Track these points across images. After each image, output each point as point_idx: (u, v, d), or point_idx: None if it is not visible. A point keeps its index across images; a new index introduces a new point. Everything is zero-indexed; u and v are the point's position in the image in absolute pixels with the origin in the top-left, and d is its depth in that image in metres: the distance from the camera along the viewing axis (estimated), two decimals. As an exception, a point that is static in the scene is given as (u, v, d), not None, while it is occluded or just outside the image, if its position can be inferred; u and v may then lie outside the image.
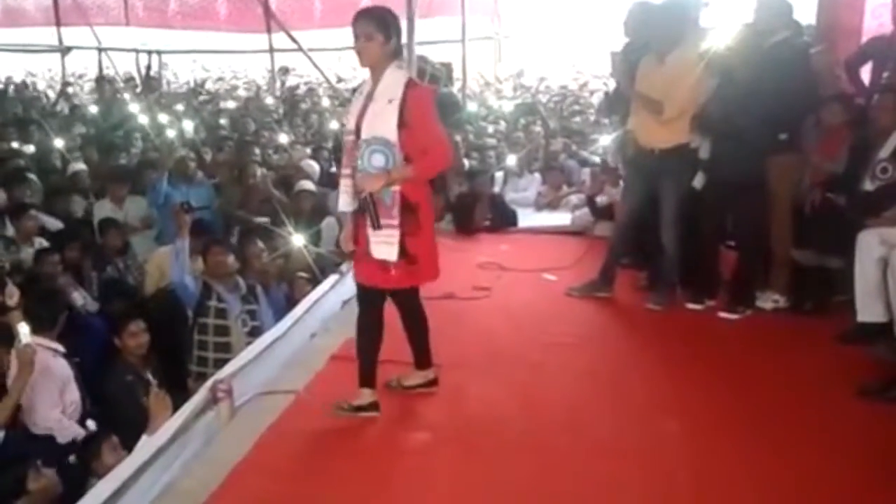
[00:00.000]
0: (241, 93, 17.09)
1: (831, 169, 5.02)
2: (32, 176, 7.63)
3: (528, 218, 7.89)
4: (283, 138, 9.99)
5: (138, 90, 14.76)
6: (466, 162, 8.62)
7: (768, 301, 5.05)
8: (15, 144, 9.45)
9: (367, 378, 3.77)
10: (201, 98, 15.61)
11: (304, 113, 12.97)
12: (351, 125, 3.64)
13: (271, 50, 16.12)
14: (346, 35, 3.77)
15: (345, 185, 3.73)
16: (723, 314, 5.02)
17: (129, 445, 3.78)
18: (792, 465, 3.35)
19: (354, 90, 3.91)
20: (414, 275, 3.67)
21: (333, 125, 10.95)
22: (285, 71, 17.62)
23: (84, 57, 17.69)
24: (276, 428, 3.75)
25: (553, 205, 8.25)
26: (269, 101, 14.73)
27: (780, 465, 3.34)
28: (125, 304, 5.60)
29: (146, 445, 3.53)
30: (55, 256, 5.72)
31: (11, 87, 15.93)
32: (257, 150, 8.94)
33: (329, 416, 3.72)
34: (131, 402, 4.43)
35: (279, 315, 5.21)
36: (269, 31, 15.47)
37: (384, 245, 3.55)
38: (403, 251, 3.54)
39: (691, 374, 4.30)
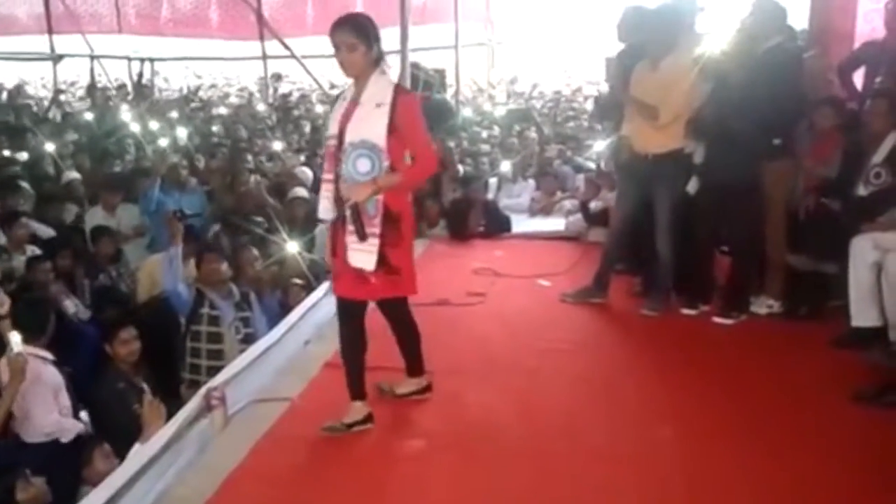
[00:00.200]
0: (233, 100, 17.07)
1: (824, 174, 5.03)
2: (24, 184, 7.61)
3: (521, 224, 7.88)
4: (277, 145, 9.98)
5: (130, 97, 14.74)
6: (461, 168, 8.62)
7: (763, 306, 5.05)
8: (7, 152, 9.42)
9: (357, 390, 3.71)
10: (193, 105, 15.59)
11: (295, 119, 12.97)
12: (334, 130, 3.54)
13: (264, 57, 16.12)
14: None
15: (325, 190, 3.63)
16: (717, 319, 5.01)
17: (121, 453, 3.76)
18: (787, 469, 3.34)
19: (337, 97, 3.85)
20: (396, 285, 3.58)
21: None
22: (278, 77, 17.62)
23: (76, 64, 17.66)
24: (271, 435, 3.72)
25: (547, 210, 8.25)
26: (262, 108, 14.72)
27: (775, 470, 3.33)
28: (117, 311, 5.57)
29: (140, 453, 3.50)
30: (47, 264, 5.69)
31: (4, 95, 15.89)
32: (250, 158, 8.93)
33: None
34: (123, 409, 4.40)
35: (273, 322, 5.20)
36: (262, 38, 15.47)
37: (363, 253, 3.46)
38: (383, 260, 3.46)
39: (686, 380, 4.29)
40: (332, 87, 14.32)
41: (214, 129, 11.91)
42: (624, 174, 5.43)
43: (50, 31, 16.40)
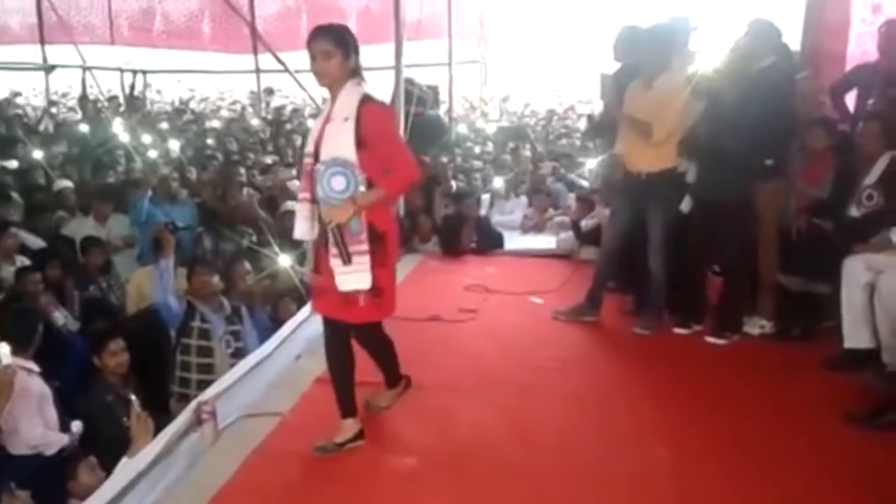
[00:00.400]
0: (225, 113, 17.06)
1: (815, 194, 5.06)
2: (14, 194, 7.56)
3: (514, 240, 7.90)
4: (269, 159, 9.98)
5: (121, 109, 14.71)
6: (453, 184, 8.63)
7: (755, 326, 5.05)
8: (-2, 162, 9.37)
9: (347, 408, 3.66)
10: (186, 118, 15.57)
11: (288, 133, 12.97)
12: (310, 148, 3.43)
13: (257, 70, 16.12)
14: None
15: (301, 209, 3.52)
16: (710, 339, 5.01)
17: (109, 466, 3.71)
18: (779, 489, 3.33)
19: (316, 114, 3.77)
20: (379, 308, 3.52)
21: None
22: (270, 91, 17.62)
23: (68, 75, 17.62)
24: (261, 451, 3.69)
25: (539, 227, 8.27)
26: (255, 122, 14.71)
27: (767, 490, 3.33)
28: (107, 323, 5.52)
29: (129, 467, 3.46)
30: (36, 275, 5.63)
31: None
32: (242, 171, 8.91)
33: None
34: (111, 422, 4.34)
35: (263, 336, 5.16)
36: (255, 51, 15.47)
37: (353, 275, 3.35)
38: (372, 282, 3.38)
39: (678, 399, 4.29)
40: (325, 101, 14.35)
41: (209, 141, 11.89)
42: (617, 193, 5.44)
43: (42, 42, 16.34)
